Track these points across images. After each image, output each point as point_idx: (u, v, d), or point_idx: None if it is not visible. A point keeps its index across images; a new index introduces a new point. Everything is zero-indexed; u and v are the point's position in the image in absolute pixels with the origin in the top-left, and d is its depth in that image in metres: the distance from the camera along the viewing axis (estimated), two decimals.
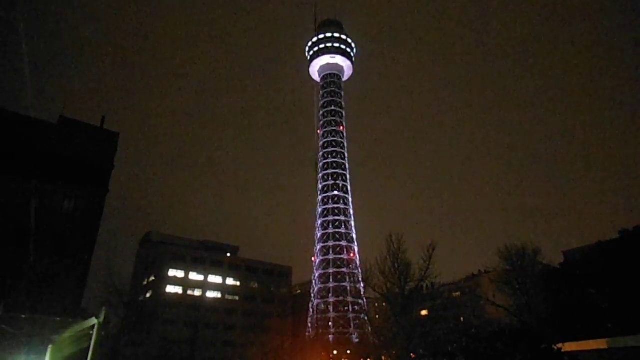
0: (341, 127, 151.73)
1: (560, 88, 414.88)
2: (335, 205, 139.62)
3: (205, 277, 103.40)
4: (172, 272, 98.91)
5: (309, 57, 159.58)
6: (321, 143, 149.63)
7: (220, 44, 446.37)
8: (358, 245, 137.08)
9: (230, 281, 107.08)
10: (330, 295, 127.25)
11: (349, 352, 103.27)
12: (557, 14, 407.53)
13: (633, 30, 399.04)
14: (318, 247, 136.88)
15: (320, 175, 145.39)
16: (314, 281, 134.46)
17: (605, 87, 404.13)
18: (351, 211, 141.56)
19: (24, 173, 39.62)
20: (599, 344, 32.62)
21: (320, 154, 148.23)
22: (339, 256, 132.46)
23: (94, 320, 14.49)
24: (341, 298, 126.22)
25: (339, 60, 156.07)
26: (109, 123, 56.82)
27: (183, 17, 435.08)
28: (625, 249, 44.58)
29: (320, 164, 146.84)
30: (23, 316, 18.76)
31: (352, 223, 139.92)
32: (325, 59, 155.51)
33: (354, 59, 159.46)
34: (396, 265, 51.90)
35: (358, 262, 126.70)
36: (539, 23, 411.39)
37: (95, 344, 13.81)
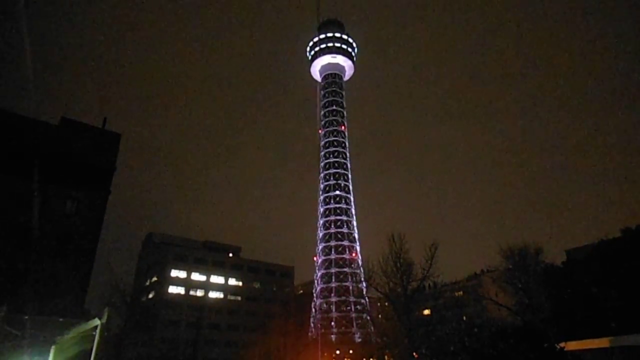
0: (342, 127, 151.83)
1: (563, 88, 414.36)
2: (337, 205, 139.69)
3: (208, 278, 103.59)
4: (174, 273, 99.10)
5: (310, 57, 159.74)
6: (322, 143, 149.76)
7: (222, 44, 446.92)
8: (360, 245, 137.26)
9: (232, 281, 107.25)
10: (332, 295, 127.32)
11: (351, 351, 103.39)
12: (561, 17, 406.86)
13: (632, 29, 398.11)
14: (320, 247, 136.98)
15: (322, 175, 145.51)
16: (316, 281, 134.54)
17: (607, 84, 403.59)
18: (353, 211, 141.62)
19: (26, 174, 39.65)
20: (602, 342, 32.60)
21: (322, 153, 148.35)
22: (341, 256, 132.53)
23: (96, 321, 14.56)
24: (343, 298, 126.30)
25: (340, 60, 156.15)
26: (111, 124, 57.00)
27: (184, 18, 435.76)
28: (628, 247, 44.43)
29: (322, 164, 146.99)
30: (26, 317, 18.80)
31: (354, 223, 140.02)
32: (326, 59, 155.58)
33: (355, 58, 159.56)
34: (398, 264, 52.02)
35: (360, 262, 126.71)
36: (543, 24, 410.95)
37: (98, 344, 13.87)
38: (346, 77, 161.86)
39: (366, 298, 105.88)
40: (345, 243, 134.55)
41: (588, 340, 33.54)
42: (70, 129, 45.88)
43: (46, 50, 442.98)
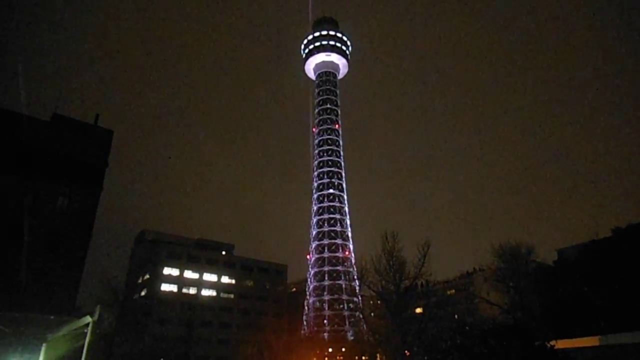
0: (337, 125, 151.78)
1: (557, 89, 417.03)
2: (331, 204, 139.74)
3: (200, 275, 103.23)
4: (167, 270, 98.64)
5: (304, 55, 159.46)
6: (316, 141, 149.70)
7: (215, 42, 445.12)
8: (353, 243, 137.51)
9: (225, 279, 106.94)
10: (325, 293, 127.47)
11: (344, 349, 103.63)
12: (557, 18, 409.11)
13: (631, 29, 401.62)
14: (313, 245, 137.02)
15: (316, 173, 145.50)
16: (309, 279, 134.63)
17: (601, 86, 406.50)
18: (346, 209, 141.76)
19: (17, 171, 39.36)
20: (592, 341, 32.89)
21: (316, 152, 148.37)
22: (334, 254, 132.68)
23: (88, 319, 14.45)
24: (336, 296, 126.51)
25: (335, 58, 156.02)
26: (103, 121, 56.67)
27: (177, 15, 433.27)
28: (619, 247, 44.87)
29: (316, 162, 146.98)
30: (16, 315, 18.63)
31: (348, 221, 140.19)
32: (320, 57, 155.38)
33: (349, 56, 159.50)
34: (391, 263, 52.17)
35: (353, 260, 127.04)
36: (539, 23, 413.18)
37: (90, 342, 13.78)
38: (340, 76, 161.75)
39: (359, 296, 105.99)
40: (339, 241, 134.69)
41: (578, 339, 33.84)
42: (62, 126, 45.51)
43: (37, 46, 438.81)
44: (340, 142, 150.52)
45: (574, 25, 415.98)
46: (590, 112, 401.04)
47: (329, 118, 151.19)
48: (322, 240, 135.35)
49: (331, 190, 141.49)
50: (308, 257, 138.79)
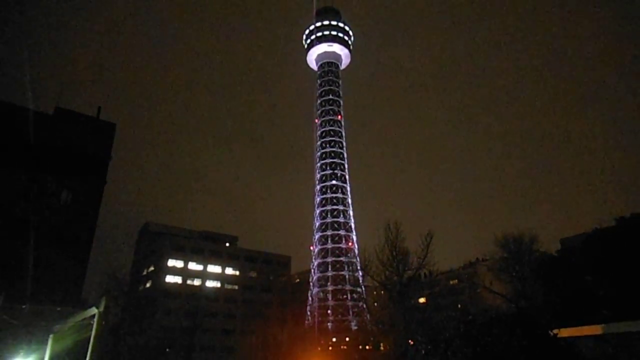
0: (339, 116, 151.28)
1: (559, 77, 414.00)
2: (334, 195, 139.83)
3: (205, 267, 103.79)
4: (171, 262, 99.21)
5: (306, 46, 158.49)
6: (319, 132, 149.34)
7: (216, 33, 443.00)
8: (356, 234, 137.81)
9: (229, 271, 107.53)
10: (329, 283, 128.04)
11: (347, 339, 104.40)
12: (559, 10, 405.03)
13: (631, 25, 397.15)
14: (317, 236, 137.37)
15: (319, 164, 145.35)
16: (312, 270, 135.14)
17: (604, 75, 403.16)
18: (349, 200, 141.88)
19: (21, 164, 39.56)
20: (595, 329, 32.96)
21: (318, 143, 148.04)
22: (338, 245, 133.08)
23: (94, 310, 14.60)
24: (340, 286, 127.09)
25: (337, 48, 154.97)
26: (106, 114, 56.68)
27: (177, 7, 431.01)
28: (622, 236, 44.82)
29: (318, 154, 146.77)
30: (24, 307, 18.86)
31: (351, 212, 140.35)
32: (322, 47, 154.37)
33: (351, 47, 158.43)
34: (394, 253, 52.20)
35: (356, 251, 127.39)
36: (544, 15, 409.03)
37: (96, 333, 13.94)
38: (343, 66, 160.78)
39: (362, 287, 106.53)
40: (342, 232, 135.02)
41: (581, 327, 33.93)
42: (65, 119, 45.65)
43: (40, 40, 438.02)
44: (343, 133, 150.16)
45: (579, 19, 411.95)
46: (594, 101, 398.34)
47: (331, 109, 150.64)
48: (326, 231, 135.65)
49: (334, 182, 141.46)
50: (311, 248, 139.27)
